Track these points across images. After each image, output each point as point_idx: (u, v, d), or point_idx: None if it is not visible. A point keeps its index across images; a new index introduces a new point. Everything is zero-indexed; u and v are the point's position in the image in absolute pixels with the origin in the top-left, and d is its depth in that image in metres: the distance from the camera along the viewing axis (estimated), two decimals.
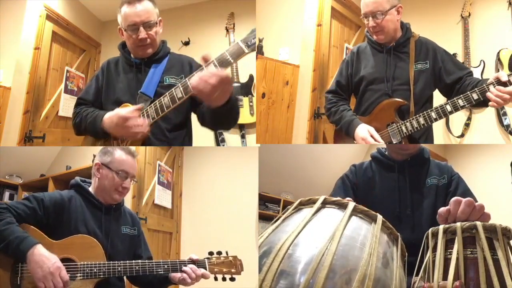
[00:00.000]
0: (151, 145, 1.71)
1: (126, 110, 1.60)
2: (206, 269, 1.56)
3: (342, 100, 2.05)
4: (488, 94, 1.64)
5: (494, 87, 1.62)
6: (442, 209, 0.92)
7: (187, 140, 1.85)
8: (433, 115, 1.72)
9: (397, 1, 1.84)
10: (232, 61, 1.46)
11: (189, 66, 1.77)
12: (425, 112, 1.75)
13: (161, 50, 1.77)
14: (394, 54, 1.89)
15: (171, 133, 1.74)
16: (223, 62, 1.45)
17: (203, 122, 1.73)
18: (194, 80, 1.41)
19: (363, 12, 1.86)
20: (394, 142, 1.82)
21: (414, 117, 1.77)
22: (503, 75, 1.63)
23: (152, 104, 1.60)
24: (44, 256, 1.35)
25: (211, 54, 1.50)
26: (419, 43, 1.88)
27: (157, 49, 1.76)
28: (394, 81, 1.87)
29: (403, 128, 1.80)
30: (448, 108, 1.69)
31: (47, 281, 1.33)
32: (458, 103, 1.68)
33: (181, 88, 1.52)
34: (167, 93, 1.56)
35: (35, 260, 1.34)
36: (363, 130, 1.85)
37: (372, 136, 1.83)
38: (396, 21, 1.86)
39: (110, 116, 1.62)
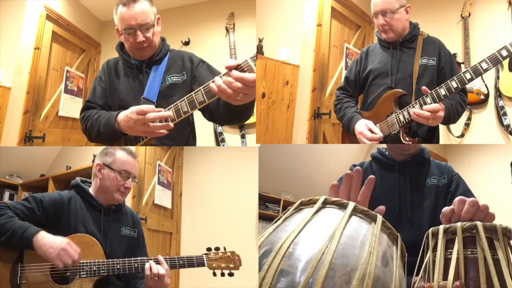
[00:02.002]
0: (156, 145, 1.69)
1: (144, 106, 1.49)
2: (204, 265, 1.55)
3: (348, 97, 2.09)
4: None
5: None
6: (446, 209, 0.92)
7: (192, 139, 1.84)
8: (428, 100, 1.72)
9: (405, 1, 1.88)
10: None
11: (190, 62, 1.74)
12: (420, 98, 1.75)
13: (161, 50, 1.73)
14: (400, 49, 1.93)
15: (176, 134, 1.70)
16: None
17: (211, 117, 1.65)
18: (218, 82, 1.29)
19: (374, 11, 1.90)
20: (392, 133, 1.83)
21: (410, 105, 1.78)
22: None
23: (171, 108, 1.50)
24: (51, 238, 1.38)
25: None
26: (427, 41, 1.92)
27: (157, 49, 1.72)
28: (397, 74, 1.89)
29: (400, 117, 1.81)
30: (442, 91, 1.69)
31: (63, 257, 1.36)
32: (452, 85, 1.68)
33: (203, 92, 1.41)
34: (185, 98, 1.45)
35: (44, 243, 1.36)
36: (361, 125, 1.88)
37: (370, 130, 1.85)
38: (405, 20, 1.90)
39: (126, 114, 1.51)
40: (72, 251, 1.38)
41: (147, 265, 1.47)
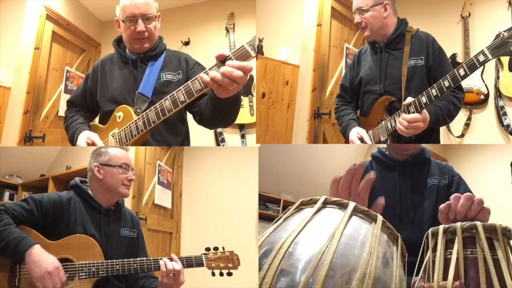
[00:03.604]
0: (150, 145, 1.70)
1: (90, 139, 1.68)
2: (203, 265, 1.55)
3: (346, 104, 2.09)
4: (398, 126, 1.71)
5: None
6: (442, 205, 0.93)
7: (186, 139, 1.84)
8: (412, 109, 1.70)
9: None
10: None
11: (185, 63, 1.75)
12: (404, 107, 1.73)
13: (158, 46, 1.74)
14: (387, 52, 1.89)
15: (169, 133, 1.72)
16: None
17: (201, 120, 1.65)
18: (213, 74, 1.27)
19: (353, 10, 1.90)
20: (382, 140, 1.83)
21: (396, 113, 1.77)
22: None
23: (153, 108, 1.53)
24: (42, 256, 1.35)
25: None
26: (415, 38, 1.86)
27: (154, 45, 1.73)
28: (386, 80, 1.88)
29: (388, 125, 1.80)
30: (424, 99, 1.65)
31: (45, 280, 1.33)
32: (432, 92, 1.63)
33: (199, 80, 1.38)
34: (181, 87, 1.44)
35: (33, 260, 1.34)
36: (353, 133, 1.90)
37: (361, 138, 1.87)
38: (383, 18, 1.85)
39: (79, 142, 1.69)
40: (57, 278, 1.35)
41: (161, 262, 1.47)
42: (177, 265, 1.47)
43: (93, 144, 1.66)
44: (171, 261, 1.48)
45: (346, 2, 3.40)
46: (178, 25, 3.75)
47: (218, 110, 1.48)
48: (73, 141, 1.74)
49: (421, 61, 1.82)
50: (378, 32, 1.88)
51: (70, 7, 3.61)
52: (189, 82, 1.43)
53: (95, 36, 4.01)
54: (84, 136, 1.69)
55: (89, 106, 1.86)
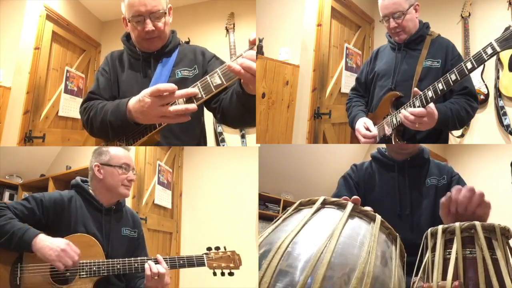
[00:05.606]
0: (162, 145, 1.60)
1: (161, 85, 1.30)
2: (204, 265, 1.54)
3: (359, 96, 2.11)
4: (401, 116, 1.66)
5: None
6: (443, 198, 0.93)
7: (202, 140, 1.74)
8: (417, 103, 1.68)
9: (414, 0, 1.85)
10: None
11: (202, 56, 1.62)
12: (410, 101, 1.72)
13: (170, 42, 1.61)
14: (405, 50, 1.90)
15: (184, 134, 1.62)
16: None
17: (223, 119, 1.50)
18: (242, 61, 1.18)
19: (383, 14, 1.86)
20: (387, 134, 1.83)
21: (402, 107, 1.77)
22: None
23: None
24: (50, 240, 1.38)
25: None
26: (434, 42, 1.88)
27: (167, 41, 1.60)
28: (398, 76, 1.88)
29: (394, 119, 1.80)
30: (430, 94, 1.64)
31: (62, 258, 1.36)
32: (438, 87, 1.61)
33: (220, 74, 1.27)
34: (198, 83, 1.30)
35: (43, 246, 1.36)
36: (360, 123, 1.91)
37: (367, 128, 1.87)
38: (415, 19, 1.88)
39: (138, 98, 1.32)
40: (72, 252, 1.38)
41: (146, 266, 1.46)
42: (162, 268, 1.46)
43: (158, 93, 1.30)
44: (156, 263, 1.47)
45: (346, 2, 3.40)
46: (178, 25, 3.72)
47: (247, 108, 1.37)
48: (119, 113, 1.40)
49: (437, 64, 1.82)
50: (411, 35, 1.88)
51: (70, 7, 3.61)
52: (207, 76, 1.30)
53: (95, 36, 4.01)
54: (145, 91, 1.32)
55: (115, 98, 1.61)
